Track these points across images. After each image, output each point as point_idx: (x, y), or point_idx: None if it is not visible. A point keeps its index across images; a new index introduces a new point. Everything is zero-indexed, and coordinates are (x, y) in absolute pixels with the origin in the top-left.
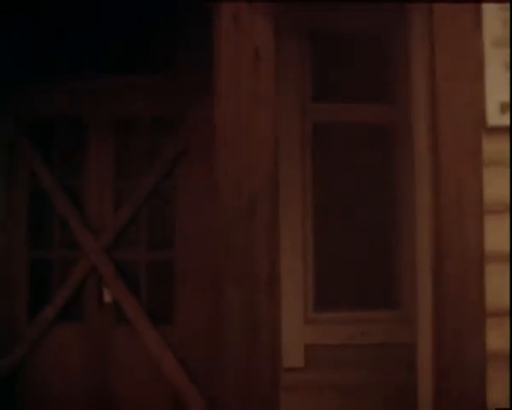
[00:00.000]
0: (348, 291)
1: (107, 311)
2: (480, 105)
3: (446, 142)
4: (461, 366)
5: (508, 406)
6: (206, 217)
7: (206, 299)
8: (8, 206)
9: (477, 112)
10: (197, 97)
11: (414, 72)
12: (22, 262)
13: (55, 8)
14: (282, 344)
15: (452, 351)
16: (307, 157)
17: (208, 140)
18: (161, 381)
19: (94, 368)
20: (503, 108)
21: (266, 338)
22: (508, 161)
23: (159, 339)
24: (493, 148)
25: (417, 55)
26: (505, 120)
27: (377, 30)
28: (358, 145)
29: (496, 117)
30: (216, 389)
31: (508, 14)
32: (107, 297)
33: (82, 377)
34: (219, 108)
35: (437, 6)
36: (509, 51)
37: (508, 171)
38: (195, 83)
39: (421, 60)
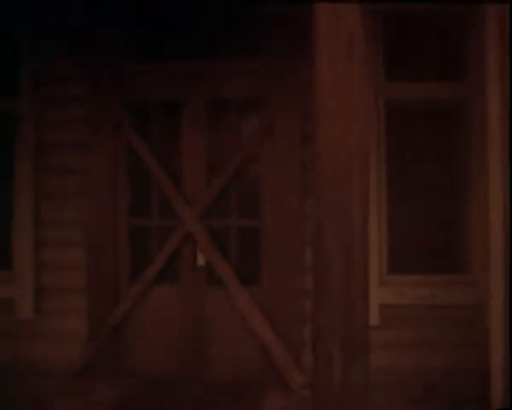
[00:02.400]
0: (420, 256)
1: (201, 273)
2: None
3: None
4: None
5: None
6: (288, 188)
7: (288, 262)
8: (113, 180)
9: None
10: (280, 79)
11: (487, 47)
12: (125, 230)
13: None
14: None
15: None
16: (381, 133)
17: (291, 117)
18: (250, 336)
19: (188, 324)
20: None
21: (360, 283)
22: None
23: (248, 298)
24: None
25: (490, 31)
26: None
27: (446, 8)
28: (428, 121)
29: None
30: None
31: None
32: (201, 261)
33: (178, 331)
34: (320, 87)
35: None
36: None
37: None
38: (280, 66)
39: (495, 36)
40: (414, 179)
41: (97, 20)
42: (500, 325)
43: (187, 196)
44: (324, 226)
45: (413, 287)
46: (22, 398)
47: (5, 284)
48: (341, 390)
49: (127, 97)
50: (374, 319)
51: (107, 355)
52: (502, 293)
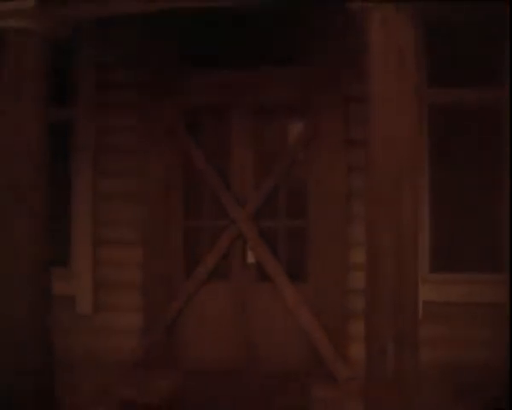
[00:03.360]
0: (460, 255)
1: (251, 270)
2: None
3: None
4: None
5: None
6: (334, 190)
7: (333, 260)
8: (167, 182)
9: None
10: (323, 85)
11: None
12: (179, 230)
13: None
14: None
15: None
16: (424, 136)
17: (334, 122)
18: (297, 330)
19: (238, 318)
20: None
21: (411, 280)
22: None
23: (295, 294)
24: None
25: None
26: None
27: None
28: (470, 124)
29: None
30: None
31: None
32: (251, 258)
33: (228, 326)
34: (373, 97)
35: None
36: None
37: None
38: (321, 73)
39: None
40: (455, 181)
41: (152, 31)
42: None
43: (237, 197)
44: (378, 227)
45: (453, 285)
46: (84, 387)
47: (65, 281)
48: (394, 378)
49: (180, 104)
50: None
51: (161, 348)
52: None
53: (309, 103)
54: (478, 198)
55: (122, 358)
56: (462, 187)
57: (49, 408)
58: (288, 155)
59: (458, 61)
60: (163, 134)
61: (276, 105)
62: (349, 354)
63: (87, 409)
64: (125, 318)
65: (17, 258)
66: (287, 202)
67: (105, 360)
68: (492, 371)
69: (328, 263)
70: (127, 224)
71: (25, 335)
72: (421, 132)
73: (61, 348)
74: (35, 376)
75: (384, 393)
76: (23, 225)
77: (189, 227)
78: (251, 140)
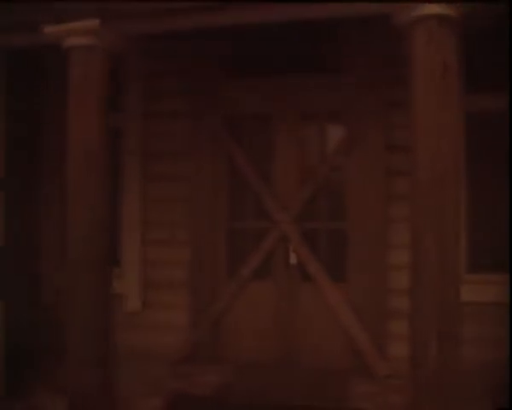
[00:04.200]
0: (495, 257)
1: (293, 271)
2: None
3: None
4: None
5: None
6: (374, 193)
7: (372, 261)
8: (212, 186)
9: None
10: (364, 92)
11: None
12: (223, 231)
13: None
14: None
15: None
16: (461, 141)
17: (375, 128)
18: (338, 328)
19: (281, 316)
20: None
21: (453, 279)
22: None
23: (336, 294)
24: None
25: None
26: None
27: None
28: (504, 127)
29: None
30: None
31: None
32: (293, 259)
33: (271, 323)
34: (416, 107)
35: None
36: None
37: None
38: (362, 80)
39: None
40: (491, 184)
41: (199, 41)
42: None
43: (280, 200)
44: (422, 229)
45: (488, 286)
46: (135, 381)
47: (115, 280)
48: (436, 374)
49: (224, 110)
50: None
51: (207, 344)
52: None
53: (350, 110)
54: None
55: (170, 353)
56: (497, 189)
57: (111, 399)
58: (329, 159)
59: (494, 67)
60: (209, 140)
61: (318, 112)
62: (388, 351)
63: (141, 400)
64: (172, 315)
65: (81, 256)
66: (328, 205)
67: (154, 355)
68: None
69: (368, 264)
70: (174, 225)
71: (91, 328)
72: (460, 137)
73: (113, 343)
74: (101, 368)
75: (427, 388)
76: (86, 225)
77: (234, 229)
78: (293, 145)
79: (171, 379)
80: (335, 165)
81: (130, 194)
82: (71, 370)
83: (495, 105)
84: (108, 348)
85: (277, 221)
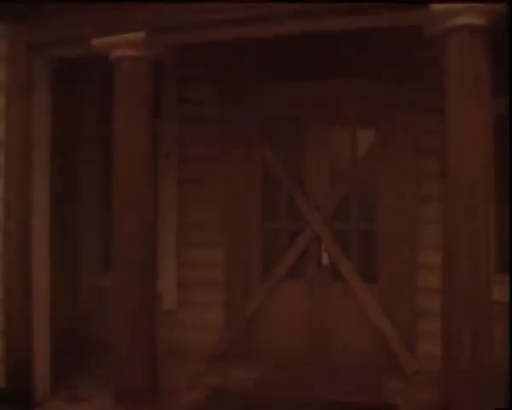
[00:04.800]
0: None
1: (325, 270)
2: None
3: None
4: None
5: None
6: (404, 195)
7: (403, 261)
8: (246, 188)
9: None
10: (394, 98)
11: None
12: (257, 231)
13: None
14: None
15: None
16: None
17: (405, 133)
18: (368, 326)
19: (313, 315)
20: None
21: (484, 279)
22: None
23: (367, 293)
24: None
25: None
26: None
27: None
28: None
29: None
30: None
31: None
32: (325, 259)
33: (303, 322)
34: (449, 114)
35: None
36: None
37: None
38: (393, 86)
39: None
40: None
41: (233, 48)
42: None
43: (312, 201)
44: (454, 230)
45: None
46: (173, 375)
47: None
48: (469, 371)
49: (259, 115)
50: None
51: (241, 342)
52: None
53: (380, 114)
54: None
55: (205, 350)
56: None
57: (154, 392)
58: (359, 161)
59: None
60: (242, 143)
61: (349, 115)
62: (417, 349)
63: (181, 394)
64: (207, 313)
65: (128, 256)
66: (358, 206)
67: (189, 352)
68: None
69: (398, 264)
70: (209, 226)
71: (137, 324)
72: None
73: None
74: (146, 362)
75: (460, 386)
76: (133, 226)
77: (267, 229)
78: (324, 148)
79: (207, 375)
80: (366, 167)
81: (166, 197)
82: (118, 363)
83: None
84: (153, 343)
85: (310, 222)
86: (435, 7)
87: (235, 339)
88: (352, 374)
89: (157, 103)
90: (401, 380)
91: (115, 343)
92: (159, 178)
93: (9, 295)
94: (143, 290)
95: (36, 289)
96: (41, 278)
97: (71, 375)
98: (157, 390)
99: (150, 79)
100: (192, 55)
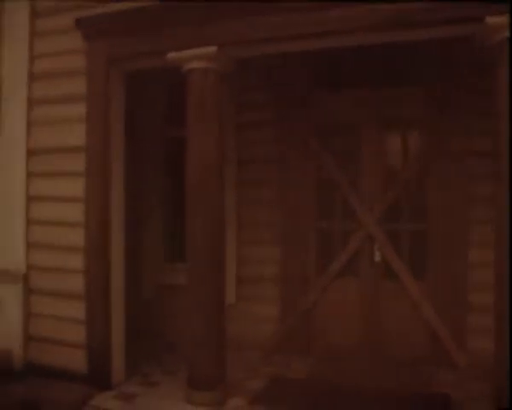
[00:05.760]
0: None
1: (377, 268)
2: None
3: None
4: None
5: None
6: (454, 196)
7: (453, 259)
8: (302, 189)
9: None
10: (445, 102)
11: None
12: (312, 231)
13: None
14: None
15: None
16: None
17: (455, 133)
18: (419, 322)
19: (365, 310)
20: None
21: None
22: None
23: (418, 290)
24: None
25: None
26: None
27: None
28: None
29: None
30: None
31: None
32: (378, 257)
33: (356, 317)
34: (500, 117)
35: None
36: None
37: None
38: (443, 91)
39: None
40: None
41: (289, 56)
42: None
43: (365, 202)
44: (505, 229)
45: None
46: (234, 365)
47: None
48: None
49: (314, 120)
50: None
51: (296, 335)
52: None
53: (431, 118)
54: None
55: (262, 342)
56: None
57: (222, 379)
58: (411, 164)
59: None
60: (298, 147)
61: (401, 120)
62: (468, 343)
63: (244, 382)
64: (263, 308)
65: (200, 254)
66: (410, 207)
67: (247, 344)
68: None
69: (448, 262)
70: (266, 226)
71: (209, 314)
72: None
73: None
74: (216, 351)
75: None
76: (205, 224)
77: (322, 228)
78: (378, 152)
79: (266, 365)
80: (417, 169)
81: (226, 198)
82: (191, 352)
83: None
84: (223, 334)
85: (363, 221)
86: (490, 20)
87: (292, 332)
88: (404, 366)
89: None
90: (452, 372)
91: (189, 334)
92: None
93: (90, 288)
94: (215, 285)
95: (113, 282)
96: (117, 272)
97: (139, 362)
98: (224, 378)
99: (219, 88)
100: (251, 64)
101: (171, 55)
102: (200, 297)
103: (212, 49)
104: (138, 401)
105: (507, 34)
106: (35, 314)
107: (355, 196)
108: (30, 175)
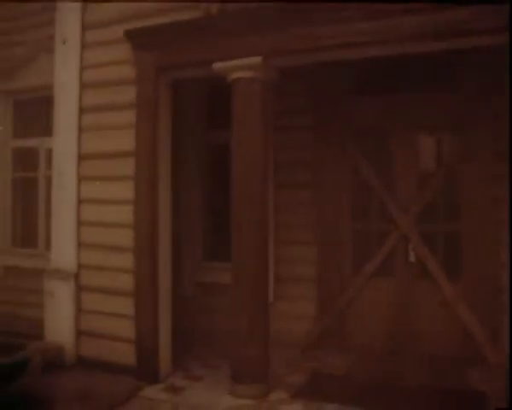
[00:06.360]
0: None
1: (412, 268)
2: None
3: None
4: None
5: None
6: (485, 197)
7: (485, 259)
8: (338, 191)
9: None
10: (474, 106)
11: None
12: (348, 232)
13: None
14: None
15: None
16: None
17: (484, 136)
18: (453, 321)
19: (400, 309)
20: None
21: None
22: None
23: (452, 289)
24: None
25: None
26: None
27: None
28: None
29: None
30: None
31: None
32: (412, 258)
33: (391, 315)
34: None
35: None
36: None
37: None
38: (472, 95)
39: None
40: None
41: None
42: None
43: (400, 203)
44: None
45: None
46: (274, 361)
47: None
48: None
49: (350, 124)
50: None
51: (332, 332)
52: None
53: (462, 121)
54: None
55: (299, 339)
56: None
57: (265, 372)
58: (444, 166)
59: None
60: (335, 150)
61: (434, 124)
62: (501, 342)
63: (284, 377)
64: (300, 306)
65: (245, 255)
66: (444, 208)
67: (285, 341)
68: None
69: (482, 261)
70: (303, 227)
71: (253, 310)
72: None
73: None
74: (259, 345)
75: None
76: (250, 225)
77: (357, 229)
78: (412, 154)
79: (304, 360)
80: (450, 171)
81: None
82: (235, 347)
83: None
84: (267, 330)
85: (398, 222)
86: None
87: (328, 330)
88: (438, 363)
89: None
90: (486, 370)
91: (231, 330)
92: None
93: (139, 287)
94: (259, 284)
95: (160, 280)
96: (164, 271)
97: (179, 357)
98: (267, 373)
99: (263, 96)
100: (287, 70)
101: (217, 65)
102: (246, 296)
103: (257, 59)
104: (186, 394)
105: None
106: (85, 311)
107: (390, 198)
108: (81, 179)
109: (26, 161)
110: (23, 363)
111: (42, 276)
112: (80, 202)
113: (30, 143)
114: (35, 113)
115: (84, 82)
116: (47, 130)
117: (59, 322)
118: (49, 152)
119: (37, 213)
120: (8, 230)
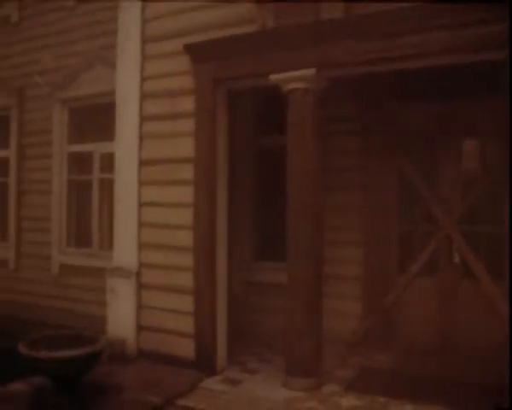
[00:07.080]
0: None
1: (456, 268)
2: None
3: None
4: None
5: None
6: None
7: None
8: (384, 194)
9: None
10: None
11: None
12: (394, 233)
13: None
14: None
15: None
16: None
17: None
18: (497, 319)
19: (444, 308)
20: None
21: None
22: None
23: (496, 289)
24: None
25: None
26: None
27: None
28: None
29: None
30: None
31: None
32: (456, 258)
33: (435, 315)
34: None
35: None
36: None
37: None
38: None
39: None
40: None
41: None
42: None
43: (444, 205)
44: None
45: None
46: (323, 357)
47: None
48: None
49: (396, 129)
50: None
51: (378, 330)
52: None
53: (503, 126)
54: None
55: (344, 336)
56: None
57: (318, 366)
58: (488, 169)
59: None
60: (381, 154)
61: (478, 128)
62: None
63: (334, 371)
64: (346, 304)
65: (301, 255)
66: (487, 210)
67: (332, 337)
68: None
69: None
70: (349, 228)
71: (307, 307)
72: None
73: None
74: (313, 340)
75: None
76: (305, 227)
77: (403, 231)
78: (456, 158)
79: (351, 356)
80: (493, 173)
81: None
82: (290, 343)
83: None
84: (320, 327)
85: (442, 224)
86: None
87: (374, 327)
88: (482, 362)
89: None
90: None
91: (287, 327)
92: None
93: (198, 284)
94: (314, 284)
95: (218, 279)
96: (221, 270)
97: (232, 351)
98: (319, 367)
99: (314, 105)
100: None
101: (273, 76)
102: (301, 295)
103: (312, 71)
104: (244, 385)
105: None
106: (145, 307)
107: (434, 200)
108: (141, 183)
109: (81, 164)
110: (98, 353)
111: (96, 274)
112: (141, 204)
113: (85, 148)
114: (89, 119)
115: (143, 92)
116: (101, 135)
117: (121, 317)
118: (103, 156)
119: (91, 214)
120: (64, 230)
